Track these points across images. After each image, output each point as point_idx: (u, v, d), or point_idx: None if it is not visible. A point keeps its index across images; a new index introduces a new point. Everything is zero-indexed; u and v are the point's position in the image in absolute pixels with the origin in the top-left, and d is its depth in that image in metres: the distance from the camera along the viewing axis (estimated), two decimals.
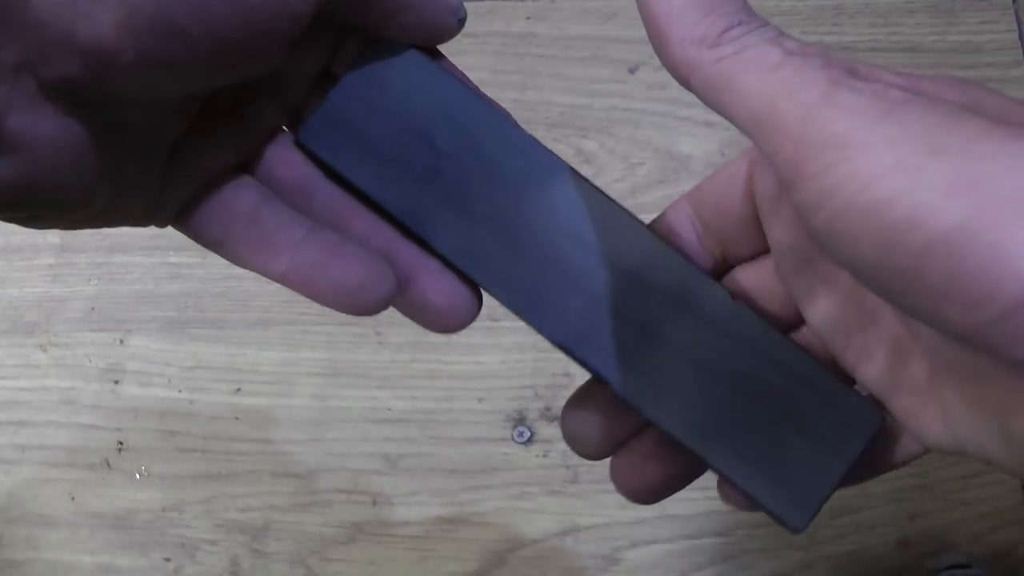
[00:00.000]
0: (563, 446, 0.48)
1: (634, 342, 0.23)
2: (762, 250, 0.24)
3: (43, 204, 0.19)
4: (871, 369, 0.23)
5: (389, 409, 0.48)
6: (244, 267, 0.23)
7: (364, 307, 0.22)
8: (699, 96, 0.20)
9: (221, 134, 0.22)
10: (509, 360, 0.48)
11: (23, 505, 0.47)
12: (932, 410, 0.21)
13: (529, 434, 0.47)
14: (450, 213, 0.23)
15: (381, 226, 0.24)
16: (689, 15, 0.19)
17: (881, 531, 0.45)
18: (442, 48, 0.24)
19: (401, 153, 0.23)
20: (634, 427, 0.24)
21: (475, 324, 0.47)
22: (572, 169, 0.23)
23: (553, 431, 0.47)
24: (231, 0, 0.18)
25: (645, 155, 0.49)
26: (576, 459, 0.48)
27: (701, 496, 0.46)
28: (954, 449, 0.21)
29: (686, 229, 0.25)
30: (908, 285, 0.16)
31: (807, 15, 0.52)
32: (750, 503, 0.23)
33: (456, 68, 0.24)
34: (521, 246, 0.23)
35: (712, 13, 0.19)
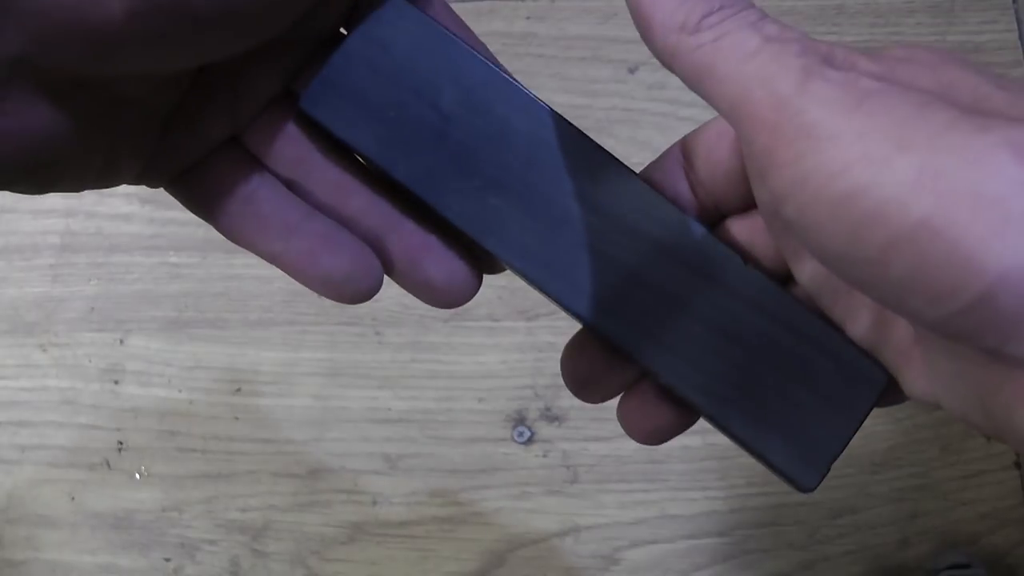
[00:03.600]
0: (563, 446, 0.48)
1: (647, 307, 0.23)
2: (754, 203, 0.24)
3: (35, 181, 0.19)
4: (857, 327, 0.23)
5: (389, 409, 0.48)
6: (234, 242, 0.23)
7: (349, 297, 0.23)
8: (684, 82, 0.20)
9: (217, 101, 0.22)
10: (509, 360, 0.48)
11: (23, 505, 0.47)
12: (915, 369, 0.22)
13: (529, 434, 0.47)
14: (459, 178, 0.23)
15: (380, 203, 0.23)
16: (670, 1, 0.19)
17: (881, 531, 0.45)
18: None
19: (406, 117, 0.22)
20: (639, 371, 0.24)
21: (475, 324, 0.48)
22: (582, 132, 0.23)
23: (553, 431, 0.47)
24: None
25: (645, 155, 0.49)
26: (576, 459, 0.49)
27: (701, 496, 0.46)
28: (935, 406, 0.21)
29: (679, 179, 0.25)
30: (875, 277, 0.17)
31: (807, 15, 0.52)
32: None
33: (468, 30, 0.24)
34: (533, 211, 0.23)
35: None
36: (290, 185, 0.23)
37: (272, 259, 0.23)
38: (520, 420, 0.47)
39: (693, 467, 0.46)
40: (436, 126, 0.23)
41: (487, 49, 0.24)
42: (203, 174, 0.22)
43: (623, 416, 0.25)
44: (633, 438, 0.25)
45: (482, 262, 0.24)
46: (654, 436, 0.25)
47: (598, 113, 0.50)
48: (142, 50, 0.18)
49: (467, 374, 0.48)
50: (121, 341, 0.49)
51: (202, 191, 0.23)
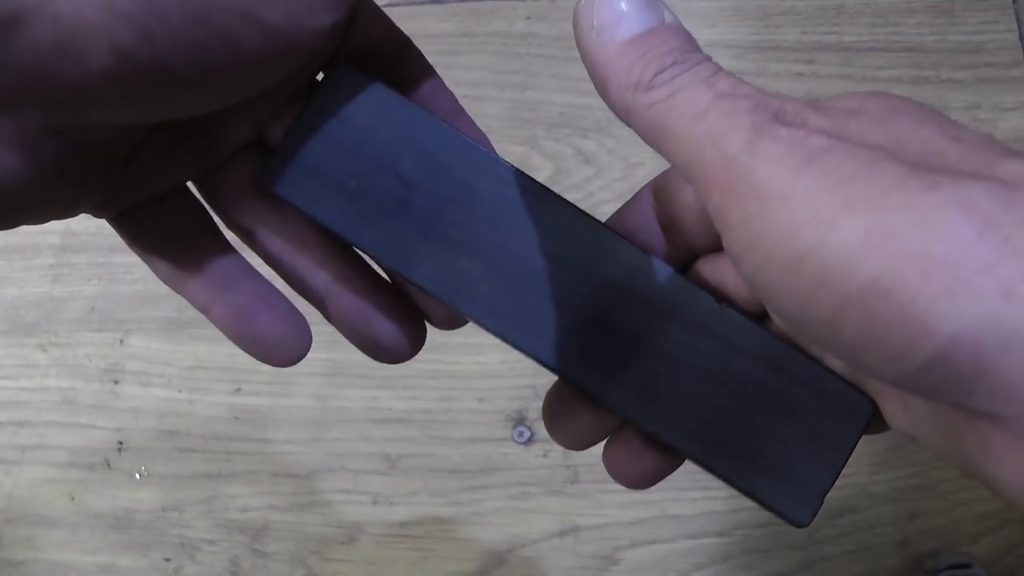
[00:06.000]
0: None
1: (625, 357, 0.23)
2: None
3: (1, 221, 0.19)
4: (835, 362, 0.23)
5: (389, 409, 0.48)
6: (168, 285, 0.23)
7: (277, 362, 0.23)
8: (642, 139, 0.19)
9: (184, 144, 0.22)
10: (509, 360, 0.48)
11: (23, 505, 0.47)
12: (894, 406, 0.21)
13: (529, 434, 0.47)
14: (426, 244, 0.23)
15: (333, 259, 0.23)
16: (624, 59, 0.19)
17: (881, 531, 0.45)
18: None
19: (368, 187, 0.22)
20: (622, 417, 0.24)
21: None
22: (544, 186, 0.23)
23: None
24: (231, 44, 0.17)
25: (645, 155, 0.49)
26: (576, 459, 0.49)
27: (701, 496, 0.46)
28: (916, 439, 0.21)
29: (650, 221, 0.24)
30: (829, 338, 0.17)
31: (807, 15, 0.52)
32: None
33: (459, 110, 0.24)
34: (501, 270, 0.23)
35: (646, 55, 0.19)
36: (248, 235, 0.23)
37: (204, 310, 0.22)
38: (520, 420, 0.47)
39: (693, 467, 0.46)
40: (399, 193, 0.23)
41: (482, 134, 0.24)
42: (152, 213, 0.22)
43: (608, 463, 0.24)
44: (621, 484, 0.24)
45: (434, 320, 0.25)
46: (641, 481, 0.24)
47: (598, 113, 0.50)
48: (118, 106, 0.17)
49: (467, 374, 0.48)
50: (121, 341, 0.49)
51: (147, 230, 0.22)
